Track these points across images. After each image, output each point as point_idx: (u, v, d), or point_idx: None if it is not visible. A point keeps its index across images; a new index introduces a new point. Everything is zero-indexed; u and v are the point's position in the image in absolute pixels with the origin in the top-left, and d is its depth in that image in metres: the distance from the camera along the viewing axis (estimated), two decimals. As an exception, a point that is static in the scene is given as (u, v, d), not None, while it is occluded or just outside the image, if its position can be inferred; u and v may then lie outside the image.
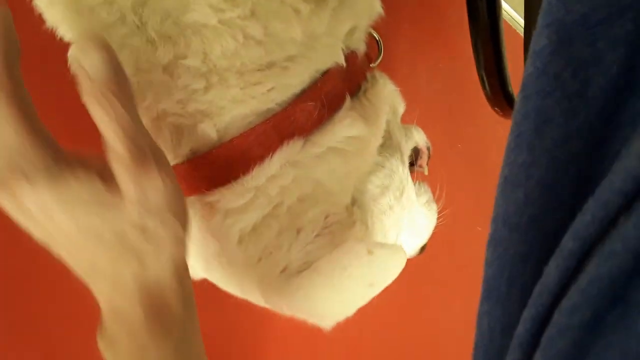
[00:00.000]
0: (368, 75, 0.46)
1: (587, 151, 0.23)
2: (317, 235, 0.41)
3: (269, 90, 0.38)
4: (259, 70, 0.37)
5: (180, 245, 0.33)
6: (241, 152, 0.38)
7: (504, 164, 0.24)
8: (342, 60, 0.41)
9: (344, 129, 0.41)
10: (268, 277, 0.41)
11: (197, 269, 0.45)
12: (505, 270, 0.24)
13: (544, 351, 0.20)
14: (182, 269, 0.33)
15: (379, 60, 0.51)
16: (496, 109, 0.58)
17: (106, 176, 0.30)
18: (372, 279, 0.39)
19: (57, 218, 0.29)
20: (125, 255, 0.31)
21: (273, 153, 0.39)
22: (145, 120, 0.37)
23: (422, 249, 0.55)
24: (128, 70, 0.30)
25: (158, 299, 0.32)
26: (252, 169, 0.39)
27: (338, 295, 0.39)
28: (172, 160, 0.40)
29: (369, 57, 0.48)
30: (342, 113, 0.41)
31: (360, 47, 0.44)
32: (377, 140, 0.44)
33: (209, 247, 0.43)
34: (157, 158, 0.31)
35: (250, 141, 0.38)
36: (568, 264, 0.20)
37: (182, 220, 0.32)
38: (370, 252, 0.38)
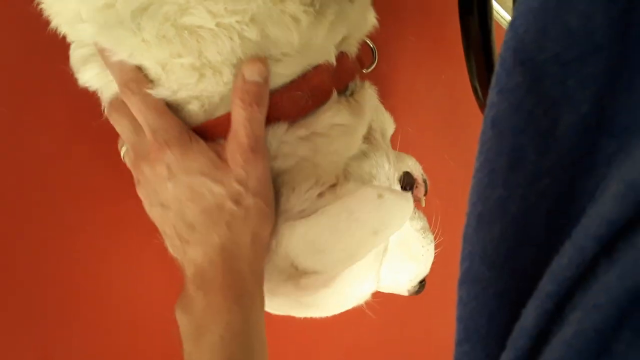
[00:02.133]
0: (357, 79, 0.48)
1: (559, 189, 0.23)
2: (309, 190, 0.42)
3: None
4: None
5: (264, 219, 0.40)
6: (226, 127, 0.40)
7: (477, 200, 0.24)
8: (332, 60, 0.42)
9: (328, 117, 0.43)
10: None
11: None
12: (484, 310, 0.23)
13: None
14: (260, 242, 0.40)
15: (373, 66, 0.53)
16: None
17: (220, 152, 0.39)
18: (376, 225, 0.41)
19: (177, 178, 0.39)
20: (219, 220, 0.39)
21: None
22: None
23: (422, 284, 0.54)
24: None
25: (235, 263, 0.39)
26: None
27: (340, 241, 0.41)
28: None
29: (361, 63, 0.50)
30: (327, 105, 0.43)
31: (352, 51, 0.46)
32: (362, 129, 0.46)
33: None
34: (264, 152, 0.40)
35: None
36: (546, 307, 0.20)
37: (268, 201, 0.40)
38: (380, 196, 0.40)
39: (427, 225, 0.53)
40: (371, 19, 0.48)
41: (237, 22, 0.37)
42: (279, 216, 0.42)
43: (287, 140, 0.42)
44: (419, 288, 0.54)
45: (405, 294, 0.54)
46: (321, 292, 0.44)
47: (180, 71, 0.38)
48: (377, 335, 0.76)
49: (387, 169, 0.48)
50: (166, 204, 0.41)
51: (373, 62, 0.53)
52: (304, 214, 0.42)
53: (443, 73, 0.75)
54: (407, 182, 0.52)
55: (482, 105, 0.58)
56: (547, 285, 0.20)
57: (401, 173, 0.51)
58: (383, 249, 0.48)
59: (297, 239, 0.41)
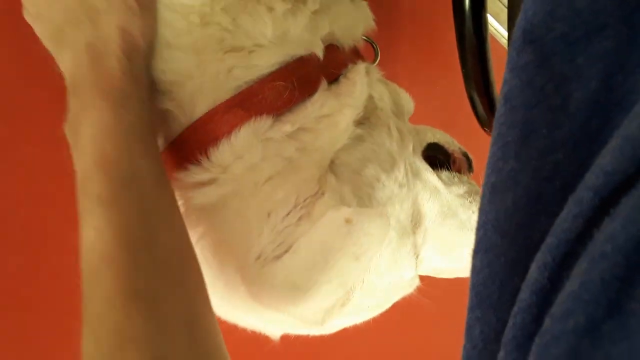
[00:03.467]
0: (351, 66, 0.45)
1: (571, 163, 0.23)
2: (287, 215, 0.38)
3: (230, 69, 0.39)
4: (221, 50, 0.38)
5: (129, 13, 0.37)
6: (208, 129, 0.39)
7: (490, 172, 0.25)
8: (319, 52, 0.41)
9: (315, 110, 0.41)
10: (243, 267, 0.39)
11: None
12: (497, 277, 0.23)
13: (538, 358, 0.19)
14: (129, 41, 0.37)
15: (375, 63, 0.51)
16: (486, 129, 0.59)
17: None
18: (355, 250, 0.36)
19: None
20: (82, 18, 0.36)
21: (240, 127, 0.39)
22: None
23: None
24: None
25: (103, 60, 0.36)
26: (219, 145, 0.39)
27: (323, 275, 0.36)
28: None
29: (361, 59, 0.47)
30: (315, 96, 0.41)
31: (344, 44, 0.45)
32: (351, 113, 0.42)
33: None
34: None
35: (216, 118, 0.39)
36: (546, 259, 0.20)
37: None
38: (348, 221, 0.36)
39: (474, 189, 0.49)
40: (368, 15, 0.47)
41: (201, 4, 0.37)
42: (250, 265, 0.38)
43: (272, 138, 0.39)
44: None
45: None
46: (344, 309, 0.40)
47: None
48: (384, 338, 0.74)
49: (388, 144, 0.44)
50: (39, 11, 0.38)
51: (375, 59, 0.51)
52: (278, 251, 0.38)
53: (438, 84, 0.77)
54: (438, 158, 0.48)
55: (477, 116, 0.59)
56: (547, 239, 0.20)
57: (424, 145, 0.48)
58: (411, 228, 0.44)
59: (280, 288, 0.37)
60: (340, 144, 0.42)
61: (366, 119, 0.44)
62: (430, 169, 0.48)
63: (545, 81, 0.24)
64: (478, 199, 0.47)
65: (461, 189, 0.47)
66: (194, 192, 0.40)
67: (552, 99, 0.23)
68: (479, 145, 0.85)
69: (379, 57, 0.51)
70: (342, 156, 0.42)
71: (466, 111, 0.58)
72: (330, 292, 0.37)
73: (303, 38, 0.40)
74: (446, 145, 0.50)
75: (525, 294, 0.21)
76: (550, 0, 0.24)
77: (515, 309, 0.21)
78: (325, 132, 0.41)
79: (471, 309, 0.24)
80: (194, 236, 0.41)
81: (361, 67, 0.44)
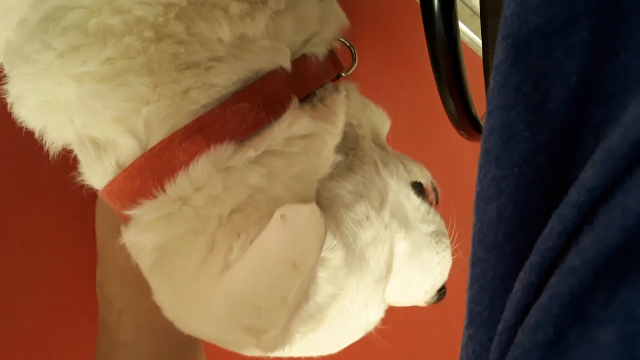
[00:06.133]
0: (329, 85, 0.43)
1: (554, 165, 0.22)
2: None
3: (186, 91, 0.35)
4: (177, 69, 0.35)
5: None
6: (164, 159, 0.35)
7: (477, 181, 0.24)
8: (287, 64, 0.38)
9: (283, 130, 0.37)
10: (205, 287, 0.35)
11: None
12: (486, 293, 0.23)
13: None
14: None
15: (353, 68, 0.49)
16: (461, 132, 0.58)
17: None
18: (292, 254, 0.32)
19: None
20: None
21: (199, 158, 0.35)
22: (68, 141, 0.37)
23: (441, 293, 0.49)
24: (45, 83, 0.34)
25: None
26: (177, 177, 0.36)
27: (266, 287, 0.33)
28: (102, 180, 0.38)
29: (337, 66, 0.45)
30: (283, 116, 0.37)
31: (318, 53, 0.41)
32: (333, 138, 0.40)
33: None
34: None
35: (173, 147, 0.35)
36: (530, 279, 0.20)
37: None
38: (283, 217, 0.33)
39: (442, 229, 0.48)
40: (338, 12, 0.44)
41: (153, 15, 0.33)
42: (215, 281, 0.35)
43: (233, 166, 0.36)
44: (439, 297, 0.49)
45: (423, 305, 0.49)
46: (307, 338, 0.38)
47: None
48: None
49: (377, 182, 0.42)
50: None
51: (353, 64, 0.48)
52: (233, 260, 0.35)
53: (406, 86, 0.76)
54: (418, 193, 0.47)
55: (451, 119, 0.58)
56: (530, 257, 0.20)
57: (410, 181, 0.47)
58: (385, 272, 0.42)
59: (227, 302, 0.34)
60: (323, 173, 0.39)
61: (351, 149, 0.42)
62: (414, 202, 0.46)
63: (521, 79, 0.23)
64: (444, 239, 0.47)
65: (430, 228, 0.46)
66: (144, 233, 0.37)
67: (531, 98, 0.22)
68: (453, 146, 0.85)
69: (356, 63, 0.48)
70: (332, 187, 0.40)
71: (438, 112, 0.57)
72: (277, 308, 0.33)
73: (265, 46, 0.37)
74: (423, 181, 0.49)
75: (509, 313, 0.20)
76: None
77: (500, 327, 0.21)
78: (301, 156, 0.38)
79: (465, 326, 0.24)
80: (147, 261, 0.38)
81: (341, 96, 0.42)
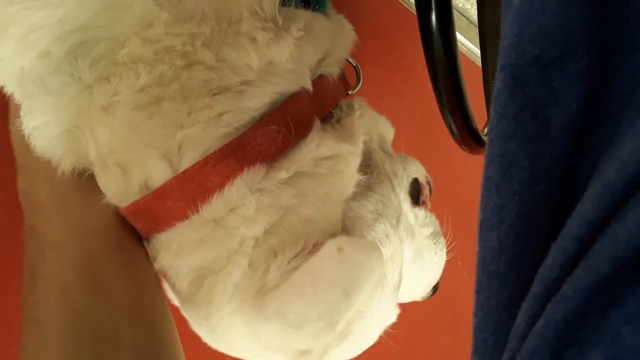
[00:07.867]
0: (343, 104, 0.44)
1: (555, 193, 0.22)
2: (295, 257, 0.36)
3: (220, 114, 0.36)
4: (209, 94, 0.36)
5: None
6: (197, 182, 0.36)
7: (479, 209, 0.24)
8: (308, 85, 0.39)
9: (311, 151, 0.38)
10: (241, 307, 0.36)
11: None
12: (490, 321, 0.23)
13: None
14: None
15: (358, 87, 0.50)
16: (463, 146, 0.58)
17: None
18: (345, 284, 0.33)
19: None
20: None
21: (233, 180, 0.36)
22: (91, 161, 0.38)
23: (435, 288, 0.51)
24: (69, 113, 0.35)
25: None
26: (211, 199, 0.36)
27: (312, 310, 0.33)
28: (124, 199, 0.38)
29: (346, 85, 0.47)
30: (309, 137, 0.39)
31: (333, 73, 0.43)
32: (356, 159, 0.41)
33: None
34: None
35: (206, 170, 0.36)
36: (535, 309, 0.20)
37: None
38: (340, 250, 0.34)
39: (438, 230, 0.50)
40: (350, 34, 0.45)
41: (182, 44, 0.34)
42: (255, 298, 0.35)
43: (265, 188, 0.37)
44: (432, 292, 0.51)
45: (419, 299, 0.52)
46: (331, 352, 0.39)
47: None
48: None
49: (393, 198, 0.43)
50: None
51: (358, 83, 0.50)
52: (278, 282, 0.36)
53: (407, 96, 0.76)
54: (415, 190, 0.49)
55: (452, 133, 0.58)
56: (534, 288, 0.21)
57: (409, 183, 0.48)
58: (399, 282, 0.44)
59: (272, 321, 0.34)
60: (348, 193, 0.40)
61: (367, 167, 0.43)
62: (413, 210, 0.48)
63: (519, 109, 0.23)
64: (440, 239, 0.49)
65: (429, 230, 0.48)
66: (180, 257, 0.38)
67: (530, 127, 0.22)
68: (455, 160, 0.85)
69: (361, 82, 0.49)
70: (354, 207, 0.41)
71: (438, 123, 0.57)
72: (319, 332, 0.34)
73: (290, 69, 0.38)
74: (419, 176, 0.50)
75: (515, 343, 0.21)
76: (518, 22, 0.23)
77: (506, 356, 0.21)
78: (328, 177, 0.39)
79: (472, 353, 0.24)
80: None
81: (357, 115, 0.43)
